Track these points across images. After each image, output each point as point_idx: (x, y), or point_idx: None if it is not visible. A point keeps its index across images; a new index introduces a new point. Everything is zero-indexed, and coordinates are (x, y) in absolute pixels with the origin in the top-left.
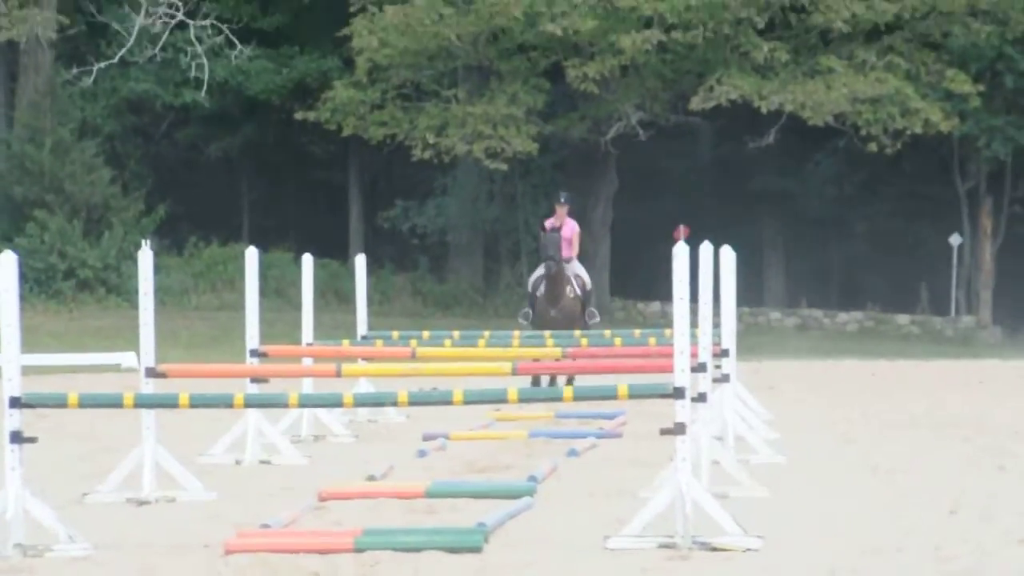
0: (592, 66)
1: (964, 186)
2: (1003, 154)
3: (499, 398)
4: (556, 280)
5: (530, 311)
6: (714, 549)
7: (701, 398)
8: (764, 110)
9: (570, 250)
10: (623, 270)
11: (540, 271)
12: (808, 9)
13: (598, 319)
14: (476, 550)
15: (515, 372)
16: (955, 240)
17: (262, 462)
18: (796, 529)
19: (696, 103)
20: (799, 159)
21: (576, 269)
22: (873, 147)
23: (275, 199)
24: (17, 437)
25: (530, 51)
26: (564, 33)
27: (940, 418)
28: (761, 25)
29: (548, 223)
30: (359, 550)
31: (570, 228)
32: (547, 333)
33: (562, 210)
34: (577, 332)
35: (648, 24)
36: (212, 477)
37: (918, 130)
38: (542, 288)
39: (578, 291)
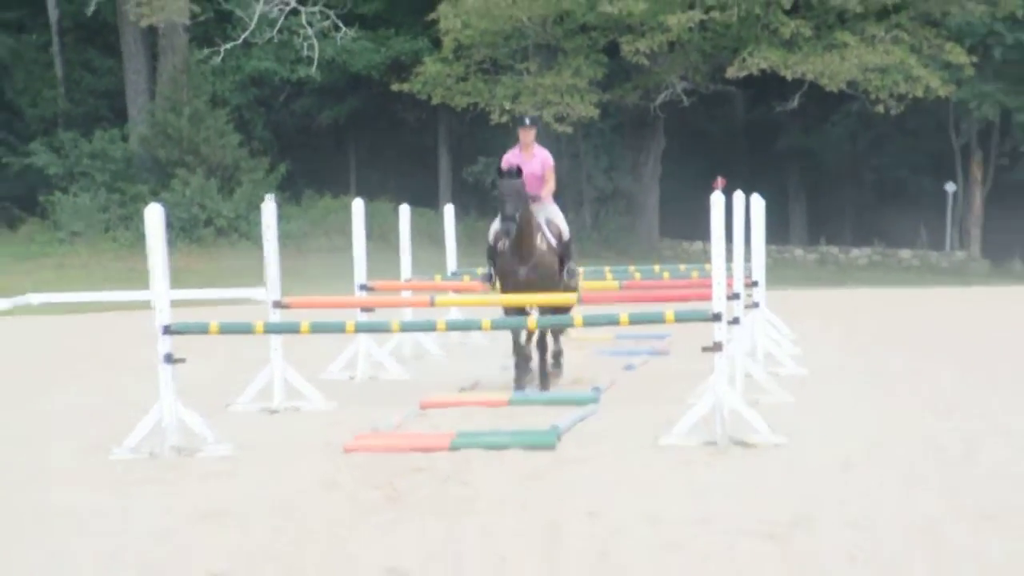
0: (643, 42)
1: (958, 142)
2: (992, 115)
3: (567, 323)
4: (524, 232)
5: (491, 272)
6: (747, 445)
7: (735, 321)
8: (789, 78)
9: (541, 186)
10: (670, 215)
11: (497, 224)
12: None
13: (578, 275)
14: (550, 447)
15: (580, 302)
16: (950, 187)
17: (371, 378)
18: (816, 428)
19: (731, 72)
20: (818, 120)
21: (549, 212)
22: (880, 109)
23: (376, 158)
24: (169, 358)
25: (590, 30)
26: (619, 14)
27: (936, 335)
28: (788, 6)
29: (508, 158)
30: (454, 448)
31: (540, 161)
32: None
33: (528, 135)
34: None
35: (691, 5)
36: (330, 390)
37: (919, 94)
38: (506, 242)
39: (552, 241)
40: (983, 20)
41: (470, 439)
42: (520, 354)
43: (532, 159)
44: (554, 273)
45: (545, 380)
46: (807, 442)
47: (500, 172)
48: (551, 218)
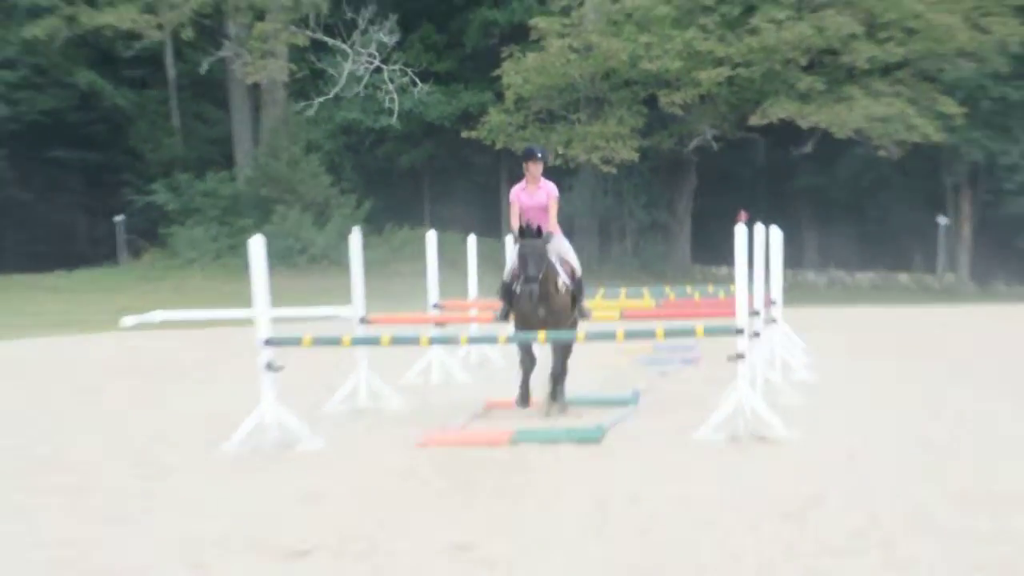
0: (678, 95)
1: (949, 181)
2: (979, 159)
3: (611, 335)
4: (543, 281)
5: (508, 309)
6: (766, 440)
7: (756, 335)
8: (804, 127)
9: (547, 218)
10: (701, 243)
11: (514, 268)
12: (839, 52)
13: (589, 317)
14: (596, 442)
15: (621, 316)
16: (942, 220)
17: (442, 383)
18: (824, 426)
19: (754, 121)
20: (828, 162)
21: (561, 249)
22: (883, 153)
23: (448, 195)
24: (270, 366)
25: (632, 85)
26: (658, 71)
27: (928, 346)
28: (804, 63)
29: (517, 192)
30: (514, 443)
31: (545, 192)
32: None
33: (537, 168)
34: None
35: (720, 63)
36: (407, 394)
37: (917, 140)
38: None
39: (568, 283)
40: (972, 76)
41: (527, 435)
42: (527, 367)
43: (538, 191)
44: (568, 311)
45: (558, 398)
46: (817, 437)
47: (521, 231)
48: (563, 255)
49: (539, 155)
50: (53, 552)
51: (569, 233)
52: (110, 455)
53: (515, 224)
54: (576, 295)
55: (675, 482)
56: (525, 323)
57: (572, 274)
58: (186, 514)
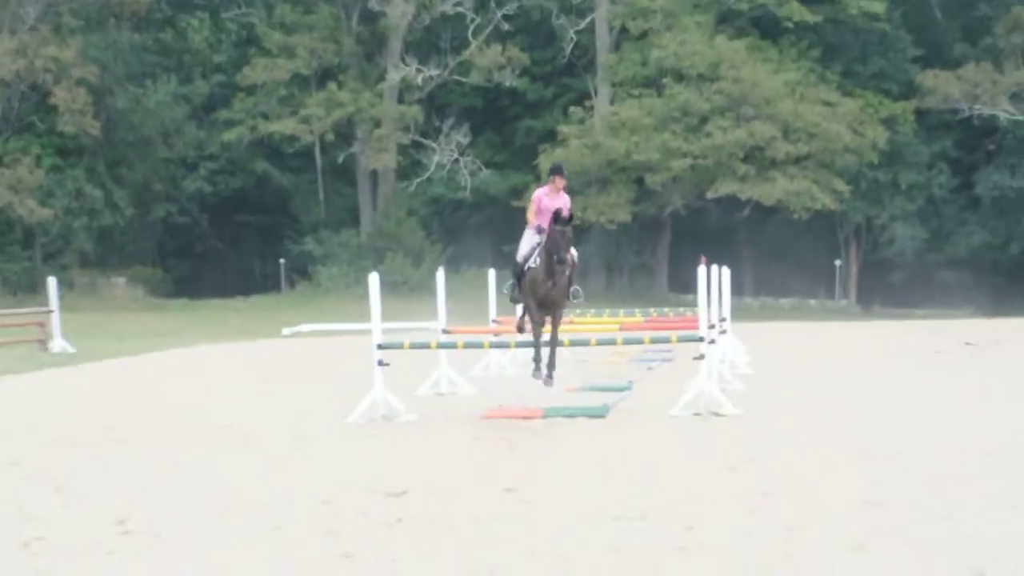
0: (658, 177)
1: (841, 236)
2: (860, 220)
3: (613, 341)
4: (558, 257)
5: (516, 284)
6: (719, 415)
7: (712, 342)
8: (743, 198)
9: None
10: (675, 279)
11: (534, 242)
12: (764, 148)
13: (582, 298)
14: (602, 416)
15: (620, 328)
16: (837, 262)
17: (496, 376)
18: (761, 407)
19: (709, 194)
20: (760, 222)
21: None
22: (796, 216)
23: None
24: (380, 363)
25: (627, 170)
26: (644, 161)
27: (831, 348)
28: (741, 156)
29: (540, 195)
30: (545, 417)
31: (564, 201)
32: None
33: (561, 181)
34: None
35: (685, 156)
36: (475, 383)
37: (819, 207)
38: (537, 261)
39: (568, 269)
40: (854, 164)
41: (554, 410)
42: (538, 348)
43: (558, 199)
44: (566, 293)
45: (552, 368)
46: (754, 413)
47: (555, 217)
48: (571, 249)
49: (564, 172)
50: (224, 492)
51: (584, 272)
52: (270, 422)
53: (532, 218)
54: (570, 278)
55: (655, 445)
56: (536, 291)
57: (572, 263)
58: (321, 465)
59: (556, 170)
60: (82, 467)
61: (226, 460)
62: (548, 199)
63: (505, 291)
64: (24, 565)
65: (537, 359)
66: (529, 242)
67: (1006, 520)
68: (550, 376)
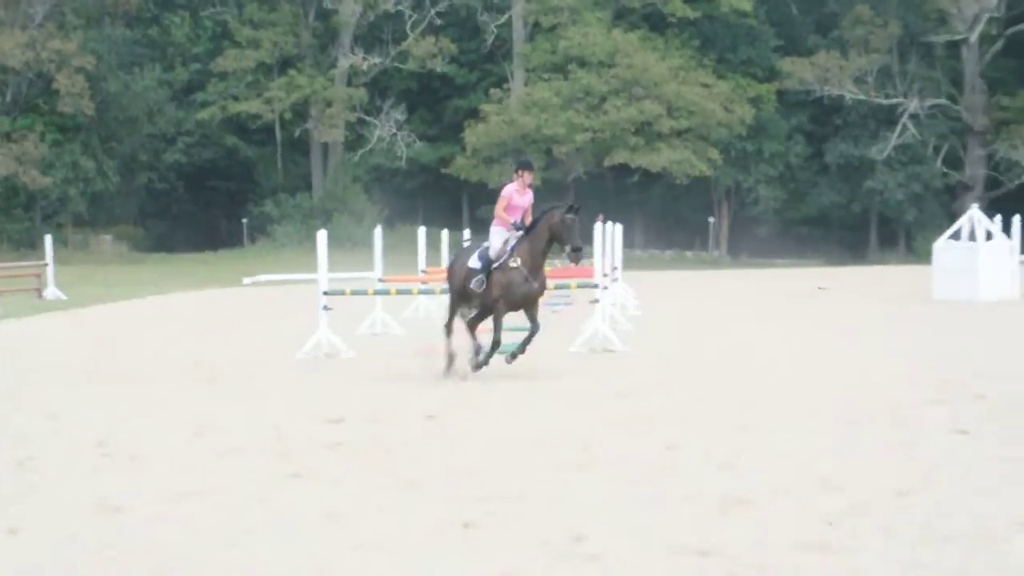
0: (563, 148)
1: (715, 197)
2: (731, 184)
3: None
4: (541, 255)
5: (484, 279)
6: (610, 351)
7: (606, 288)
8: (633, 166)
9: (530, 216)
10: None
11: (506, 237)
12: (652, 123)
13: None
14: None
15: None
16: (712, 220)
17: (424, 318)
18: (648, 344)
19: (606, 163)
20: (648, 186)
21: None
22: (678, 180)
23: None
24: (325, 307)
25: (538, 142)
26: (553, 135)
27: (707, 292)
28: (633, 130)
29: (511, 190)
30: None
31: (529, 197)
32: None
33: (530, 177)
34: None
35: (586, 131)
36: (405, 326)
37: (696, 174)
38: (517, 262)
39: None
40: (725, 137)
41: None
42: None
43: (526, 193)
44: (544, 286)
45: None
46: (641, 349)
47: (570, 208)
48: None
49: (533, 167)
50: (191, 420)
51: None
52: (232, 360)
53: (503, 213)
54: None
55: (559, 376)
56: (517, 295)
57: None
58: (273, 396)
59: (525, 165)
60: (70, 399)
61: (194, 392)
62: (518, 195)
63: (473, 287)
64: (18, 480)
65: (480, 354)
66: (500, 237)
67: (852, 436)
68: (490, 355)
